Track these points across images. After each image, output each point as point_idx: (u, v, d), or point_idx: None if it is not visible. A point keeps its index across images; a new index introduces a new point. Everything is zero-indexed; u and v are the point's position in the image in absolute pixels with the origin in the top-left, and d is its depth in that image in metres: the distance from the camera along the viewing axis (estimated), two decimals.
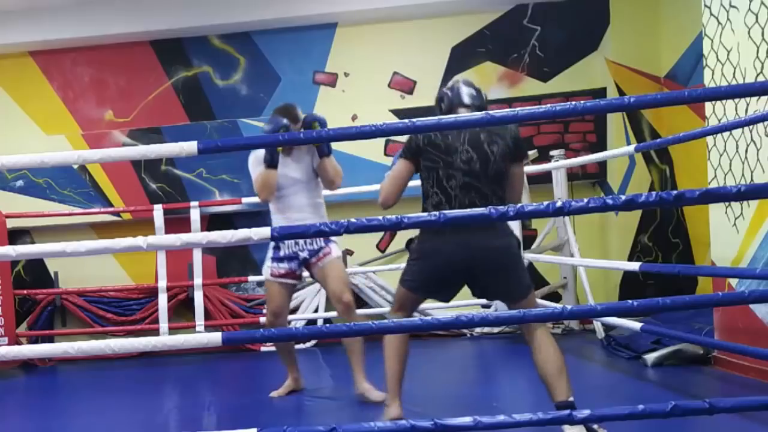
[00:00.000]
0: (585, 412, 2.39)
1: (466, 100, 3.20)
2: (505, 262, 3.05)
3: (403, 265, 6.28)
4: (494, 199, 3.06)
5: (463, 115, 3.03)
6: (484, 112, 2.69)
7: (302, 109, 6.37)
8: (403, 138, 6.41)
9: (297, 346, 6.00)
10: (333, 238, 4.07)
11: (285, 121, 3.86)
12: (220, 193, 6.39)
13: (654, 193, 2.42)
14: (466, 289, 6.65)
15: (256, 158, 4.05)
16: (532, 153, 6.04)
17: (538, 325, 3.03)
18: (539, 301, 5.68)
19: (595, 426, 2.81)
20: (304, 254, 4.04)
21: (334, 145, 6.10)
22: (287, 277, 4.08)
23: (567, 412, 2.40)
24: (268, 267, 4.09)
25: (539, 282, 6.20)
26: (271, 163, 3.91)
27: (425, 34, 6.49)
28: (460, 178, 3.08)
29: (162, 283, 6.12)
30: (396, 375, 3.24)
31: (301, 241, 4.01)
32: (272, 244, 4.06)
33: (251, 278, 6.32)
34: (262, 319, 6.01)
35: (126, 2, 6.32)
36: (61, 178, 6.43)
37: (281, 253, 4.05)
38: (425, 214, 2.43)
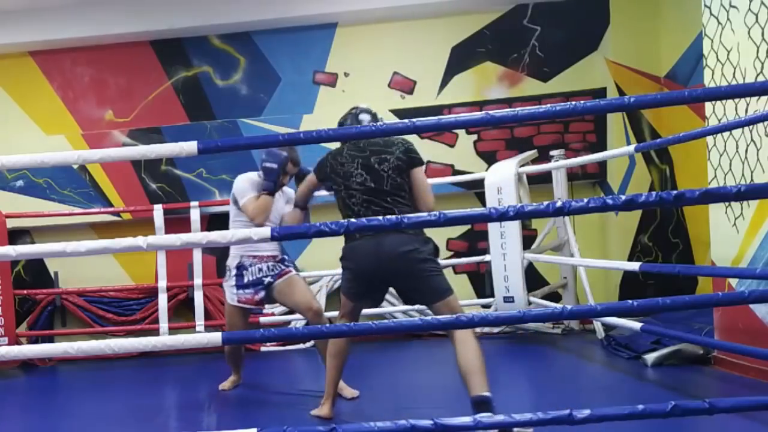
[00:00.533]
0: (585, 412, 2.39)
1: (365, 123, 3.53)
2: (412, 267, 3.26)
3: None
4: (395, 209, 3.33)
5: (463, 115, 3.08)
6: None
7: (302, 109, 6.46)
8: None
9: (297, 346, 6.04)
10: (291, 263, 4.34)
11: (285, 154, 4.01)
12: (220, 193, 6.39)
13: (654, 193, 2.42)
14: (467, 289, 6.67)
15: (250, 182, 4.16)
16: (532, 153, 6.04)
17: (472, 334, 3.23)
18: (538, 300, 5.68)
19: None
20: (268, 279, 4.21)
21: (334, 146, 6.14)
22: (252, 304, 4.26)
23: (567, 411, 2.40)
24: (234, 294, 4.23)
25: (539, 282, 6.21)
26: (273, 190, 4.06)
27: (425, 34, 6.49)
28: (359, 196, 3.41)
29: (162, 283, 6.12)
30: (335, 378, 3.64)
31: (265, 268, 4.21)
32: (234, 271, 4.22)
33: None
34: (262, 319, 6.03)
35: (126, 2, 6.32)
36: (61, 178, 6.43)
37: (245, 280, 4.21)
38: (424, 213, 2.44)
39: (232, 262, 4.24)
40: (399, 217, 2.45)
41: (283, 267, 4.25)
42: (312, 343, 6.04)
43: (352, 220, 3.21)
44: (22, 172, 6.39)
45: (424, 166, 3.46)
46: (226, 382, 4.55)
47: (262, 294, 4.23)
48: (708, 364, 4.31)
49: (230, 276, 4.24)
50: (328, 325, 2.93)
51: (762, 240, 3.83)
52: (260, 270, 4.21)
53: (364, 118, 3.57)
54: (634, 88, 6.10)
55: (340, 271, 6.04)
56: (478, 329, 6.04)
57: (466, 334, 3.18)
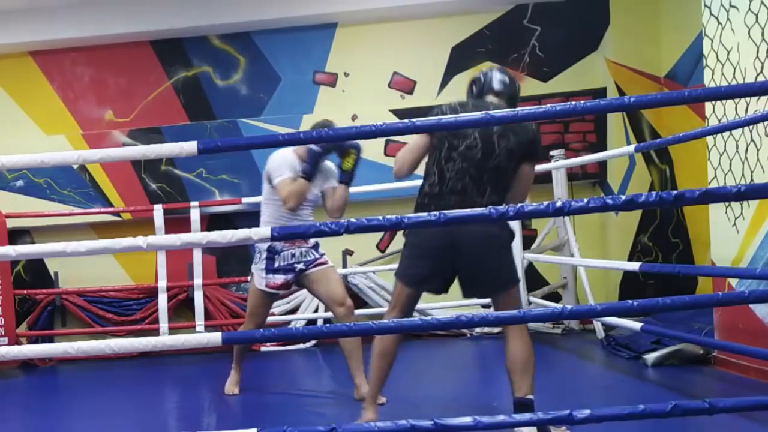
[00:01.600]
0: (585, 412, 2.39)
1: (497, 86, 3.20)
2: (487, 250, 3.03)
3: None
4: (488, 190, 3.04)
5: (475, 112, 2.95)
6: (508, 108, 2.72)
7: (302, 109, 6.46)
8: (404, 138, 6.44)
9: (297, 346, 6.03)
10: (323, 250, 4.15)
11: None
12: (220, 193, 6.39)
13: (654, 193, 2.42)
14: None
15: (284, 161, 3.97)
16: None
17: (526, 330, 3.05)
18: (538, 300, 5.68)
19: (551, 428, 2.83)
20: (300, 266, 4.06)
21: None
22: (282, 288, 4.13)
23: (567, 411, 2.40)
24: (263, 278, 4.07)
25: (539, 282, 6.21)
26: (311, 175, 3.90)
27: (425, 34, 6.49)
28: (459, 162, 3.06)
29: (162, 283, 6.12)
30: (381, 379, 3.28)
31: (297, 254, 4.05)
32: (265, 254, 4.06)
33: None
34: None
35: (126, 2, 6.32)
36: (61, 178, 6.43)
37: (276, 265, 4.05)
38: (425, 214, 2.43)
39: (262, 245, 4.04)
40: (399, 217, 2.44)
41: (316, 255, 4.08)
42: (313, 342, 6.06)
43: (436, 188, 3.05)
44: (22, 172, 6.39)
45: (537, 164, 3.19)
46: (232, 386, 4.38)
47: (291, 278, 4.07)
48: (708, 364, 4.31)
49: (260, 259, 4.07)
50: (369, 322, 2.72)
51: (762, 240, 3.83)
52: (293, 255, 4.04)
53: (499, 77, 3.22)
54: (634, 88, 6.09)
55: (341, 271, 6.12)
56: (477, 329, 6.05)
57: (523, 331, 3.01)
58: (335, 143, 3.83)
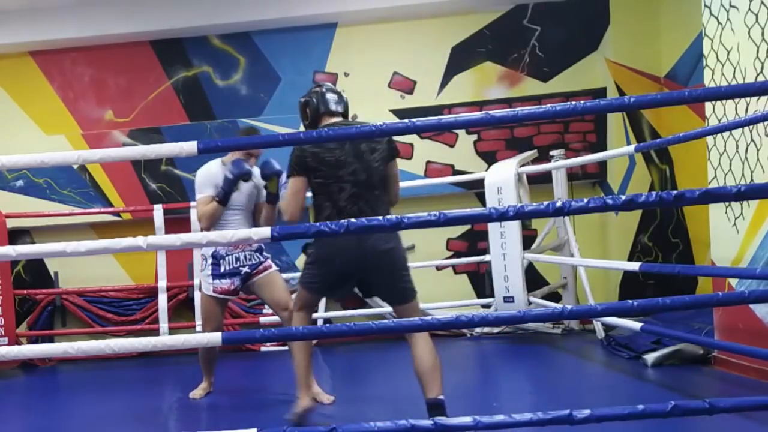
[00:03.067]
0: (585, 412, 2.39)
1: (333, 107, 3.39)
2: (393, 264, 3.22)
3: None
4: (379, 203, 3.24)
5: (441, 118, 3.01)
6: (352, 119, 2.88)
7: None
8: (404, 138, 6.46)
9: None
10: (268, 254, 4.23)
11: (247, 169, 4.03)
12: None
13: (654, 193, 2.42)
14: (467, 290, 6.67)
15: (208, 178, 4.15)
16: (532, 153, 6.04)
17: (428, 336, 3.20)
18: (538, 300, 5.68)
19: None
20: (245, 269, 4.14)
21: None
22: (228, 294, 4.19)
23: (567, 411, 2.40)
24: (210, 284, 4.16)
25: (539, 282, 6.21)
26: (224, 200, 4.04)
27: (425, 34, 6.49)
28: (349, 189, 3.22)
29: (162, 283, 6.12)
30: (306, 368, 3.51)
31: (242, 257, 4.13)
32: (210, 260, 4.15)
33: None
34: (262, 319, 6.03)
35: (126, 2, 6.32)
36: (61, 178, 6.43)
37: (221, 270, 4.13)
38: (424, 214, 2.43)
39: (207, 251, 4.14)
40: (399, 217, 2.45)
41: (261, 259, 4.17)
42: (313, 342, 6.04)
43: (334, 219, 3.15)
44: (22, 172, 6.39)
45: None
46: (196, 390, 4.44)
47: (238, 283, 4.17)
48: (708, 364, 4.31)
49: (206, 265, 4.15)
50: (369, 322, 2.79)
51: (762, 240, 3.83)
52: (237, 259, 4.13)
53: (332, 97, 3.40)
54: (634, 88, 6.09)
55: None
56: (477, 329, 6.05)
57: (424, 336, 3.18)
58: (245, 174, 4.02)
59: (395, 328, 2.81)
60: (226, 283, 4.15)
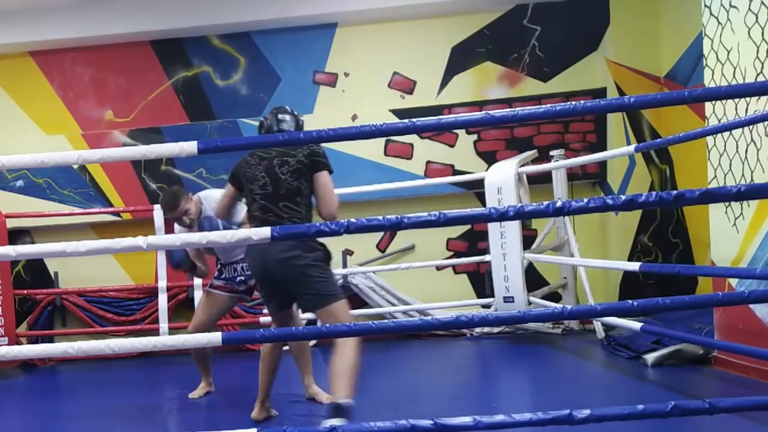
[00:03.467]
0: (585, 412, 2.39)
1: (282, 126, 3.56)
2: (294, 272, 3.30)
3: (403, 265, 6.35)
4: (286, 215, 3.35)
5: (462, 115, 3.02)
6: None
7: (302, 109, 6.44)
8: (404, 138, 6.46)
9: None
10: None
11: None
12: None
13: (654, 193, 2.42)
14: (467, 289, 6.67)
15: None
16: (532, 153, 6.04)
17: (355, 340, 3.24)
18: (538, 300, 5.68)
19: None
20: (240, 278, 4.32)
21: (334, 145, 6.16)
22: (222, 290, 4.34)
23: (567, 411, 2.40)
24: (211, 281, 4.43)
25: (539, 282, 6.21)
26: (178, 267, 4.32)
27: (425, 34, 6.49)
28: (259, 201, 3.41)
29: (162, 283, 6.12)
30: (265, 382, 3.70)
31: (239, 269, 4.34)
32: (218, 266, 4.41)
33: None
34: (263, 319, 6.03)
35: (126, 2, 6.32)
36: (61, 178, 6.43)
37: (222, 276, 4.39)
38: (424, 214, 2.44)
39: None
40: (399, 217, 2.45)
41: None
42: (313, 342, 6.05)
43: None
44: (22, 172, 6.39)
45: (328, 171, 3.39)
46: (196, 390, 4.50)
47: (236, 286, 4.35)
48: (708, 364, 4.31)
49: (216, 270, 4.46)
50: (369, 322, 2.81)
51: (762, 240, 3.83)
52: (235, 270, 4.35)
53: (284, 118, 3.56)
54: (634, 88, 6.09)
55: (341, 271, 6.12)
56: (477, 329, 6.05)
57: (346, 341, 3.21)
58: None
59: (395, 328, 2.81)
60: (222, 281, 4.37)
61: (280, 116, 3.57)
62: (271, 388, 3.73)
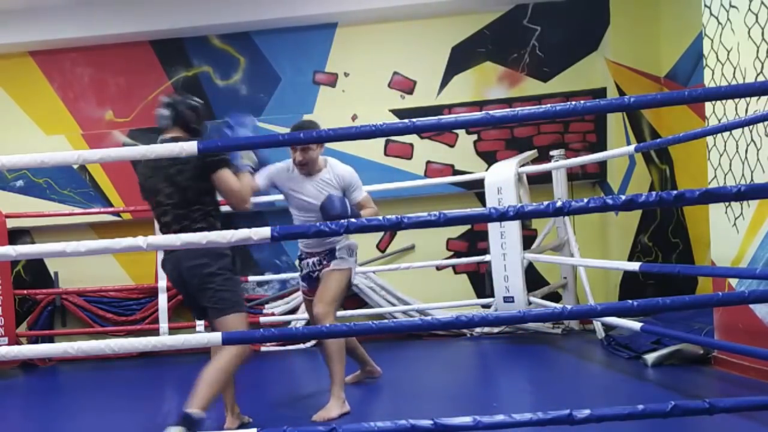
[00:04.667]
0: (585, 412, 2.39)
1: (158, 123, 3.43)
2: (195, 281, 3.28)
3: (403, 265, 6.34)
4: (187, 219, 3.28)
5: (462, 114, 3.02)
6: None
7: (302, 109, 6.46)
8: (404, 138, 6.46)
9: (297, 346, 6.04)
10: (341, 254, 4.02)
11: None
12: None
13: (654, 193, 2.42)
14: (467, 289, 6.67)
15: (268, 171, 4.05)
16: (532, 153, 6.05)
17: (231, 351, 3.19)
18: (538, 300, 5.68)
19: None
20: (315, 275, 4.07)
21: (334, 145, 6.16)
22: (312, 295, 4.10)
23: (567, 411, 2.40)
24: (300, 285, 4.26)
25: (539, 282, 6.21)
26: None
27: (425, 34, 6.49)
28: (160, 212, 3.37)
29: (162, 283, 6.12)
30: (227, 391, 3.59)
31: (311, 263, 4.08)
32: (298, 262, 4.18)
33: (251, 278, 6.32)
34: (263, 319, 6.03)
35: (126, 2, 6.32)
36: (61, 178, 6.43)
37: (302, 272, 4.16)
38: (424, 214, 2.44)
39: (350, 243, 4.09)
40: (399, 217, 2.45)
41: (325, 262, 4.03)
42: (313, 342, 6.06)
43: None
44: (22, 172, 6.39)
45: (225, 167, 3.26)
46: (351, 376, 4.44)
47: (315, 285, 4.07)
48: (708, 364, 4.31)
49: (354, 254, 4.13)
50: (369, 322, 2.71)
51: (762, 240, 3.83)
52: (309, 264, 4.09)
53: (161, 113, 3.41)
54: (634, 88, 6.09)
55: None
56: (477, 329, 6.05)
57: (225, 349, 3.14)
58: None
59: (395, 328, 2.81)
60: (305, 287, 4.19)
61: (158, 111, 3.42)
62: (235, 394, 3.62)
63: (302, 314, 6.10)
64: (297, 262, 4.24)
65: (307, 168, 3.94)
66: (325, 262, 4.04)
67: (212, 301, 3.25)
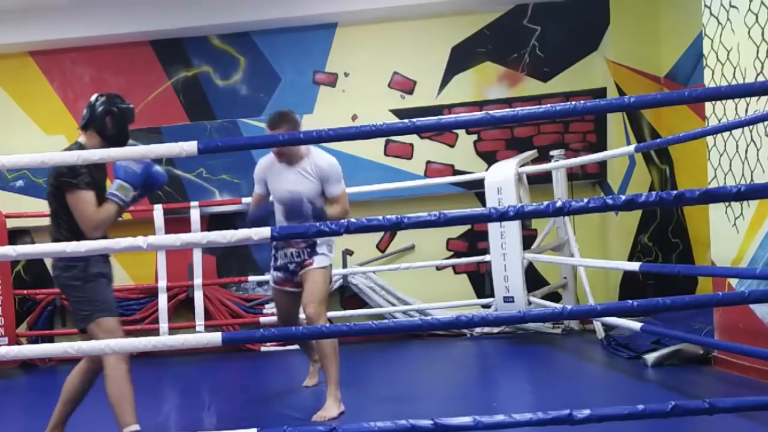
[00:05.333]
0: (585, 412, 2.39)
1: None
2: (61, 291, 3.37)
3: (403, 265, 6.34)
4: (53, 233, 3.25)
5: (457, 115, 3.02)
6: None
7: (302, 109, 6.46)
8: (404, 138, 6.46)
9: (297, 346, 6.02)
10: (322, 250, 3.98)
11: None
12: (220, 193, 6.39)
13: (654, 193, 2.42)
14: (467, 289, 6.66)
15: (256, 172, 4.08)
16: (532, 153, 6.05)
17: (108, 361, 3.09)
18: (538, 300, 5.68)
19: None
20: (293, 266, 4.02)
21: (334, 145, 6.16)
22: (286, 285, 4.08)
23: (567, 411, 2.40)
24: (270, 275, 4.15)
25: (539, 282, 6.21)
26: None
27: (425, 34, 6.49)
28: (51, 225, 3.30)
29: (162, 283, 6.12)
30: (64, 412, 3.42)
31: (290, 254, 4.01)
32: (273, 251, 4.09)
33: (251, 278, 6.32)
34: (263, 319, 6.03)
35: (126, 2, 6.32)
36: None
37: (277, 263, 4.08)
38: (424, 214, 2.44)
39: (330, 239, 4.04)
40: (399, 217, 2.45)
41: (306, 256, 3.97)
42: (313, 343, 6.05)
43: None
44: (22, 172, 6.39)
45: (78, 190, 3.15)
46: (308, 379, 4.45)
47: (290, 277, 4.04)
48: (708, 364, 4.31)
49: (271, 256, 4.13)
50: (369, 322, 2.65)
51: (762, 240, 3.83)
52: (285, 255, 4.02)
53: (84, 114, 3.35)
54: (634, 88, 6.09)
55: (341, 271, 6.12)
56: (477, 329, 6.05)
57: (105, 363, 3.08)
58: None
59: (395, 328, 2.81)
60: (281, 277, 4.07)
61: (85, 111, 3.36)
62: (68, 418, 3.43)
63: (302, 314, 6.10)
64: (272, 252, 4.11)
65: (286, 158, 3.90)
66: (305, 257, 3.98)
67: (74, 313, 3.28)
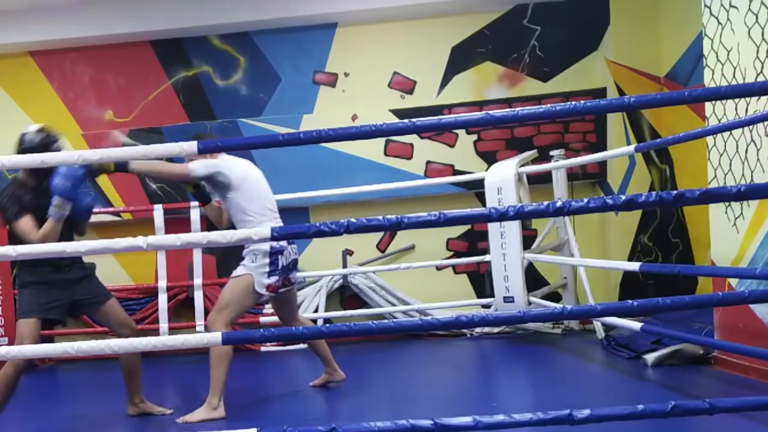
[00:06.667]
0: (585, 412, 2.39)
1: None
2: None
3: (403, 265, 6.34)
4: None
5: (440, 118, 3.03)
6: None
7: (302, 109, 6.46)
8: (404, 138, 6.46)
9: (297, 347, 6.03)
10: (245, 261, 3.93)
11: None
12: None
13: (654, 193, 2.42)
14: (467, 289, 6.66)
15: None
16: (532, 153, 6.04)
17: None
18: (538, 300, 5.68)
19: None
20: (291, 261, 4.06)
21: (334, 145, 6.17)
22: (273, 291, 4.05)
23: (567, 411, 2.40)
24: (266, 280, 3.93)
25: (539, 282, 6.21)
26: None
27: (425, 34, 6.49)
28: None
29: (162, 283, 6.12)
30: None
31: (291, 251, 4.08)
32: (269, 258, 3.89)
33: None
34: (262, 319, 6.03)
35: (126, 2, 6.32)
36: None
37: (280, 265, 3.94)
38: (424, 214, 2.44)
39: (258, 246, 3.85)
40: (399, 217, 2.45)
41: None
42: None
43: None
44: None
45: (18, 219, 3.57)
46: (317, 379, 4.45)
47: (291, 275, 4.00)
48: (708, 364, 4.31)
49: (259, 260, 3.87)
50: (369, 322, 2.65)
51: (762, 240, 3.83)
52: (290, 254, 3.95)
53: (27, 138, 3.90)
54: (634, 88, 6.10)
55: (341, 271, 6.12)
56: (477, 329, 6.05)
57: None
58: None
59: (395, 328, 2.81)
60: (279, 280, 3.93)
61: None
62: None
63: (302, 314, 6.11)
64: (280, 257, 3.91)
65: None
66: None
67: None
